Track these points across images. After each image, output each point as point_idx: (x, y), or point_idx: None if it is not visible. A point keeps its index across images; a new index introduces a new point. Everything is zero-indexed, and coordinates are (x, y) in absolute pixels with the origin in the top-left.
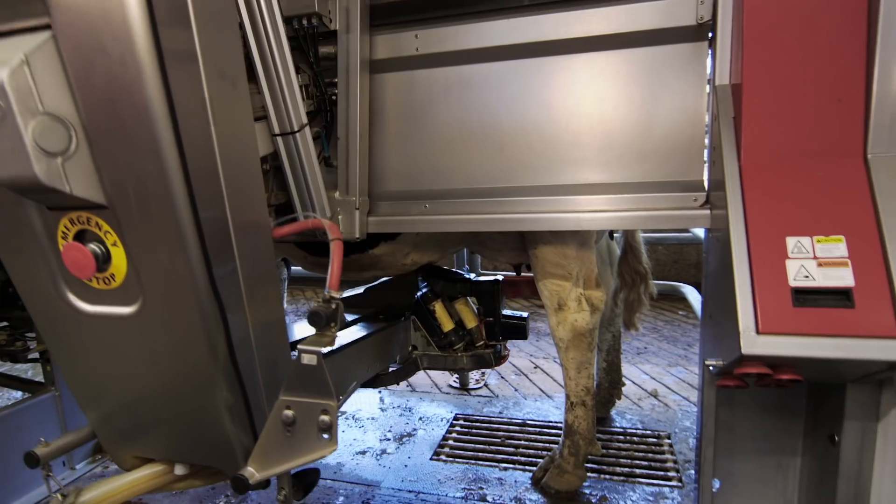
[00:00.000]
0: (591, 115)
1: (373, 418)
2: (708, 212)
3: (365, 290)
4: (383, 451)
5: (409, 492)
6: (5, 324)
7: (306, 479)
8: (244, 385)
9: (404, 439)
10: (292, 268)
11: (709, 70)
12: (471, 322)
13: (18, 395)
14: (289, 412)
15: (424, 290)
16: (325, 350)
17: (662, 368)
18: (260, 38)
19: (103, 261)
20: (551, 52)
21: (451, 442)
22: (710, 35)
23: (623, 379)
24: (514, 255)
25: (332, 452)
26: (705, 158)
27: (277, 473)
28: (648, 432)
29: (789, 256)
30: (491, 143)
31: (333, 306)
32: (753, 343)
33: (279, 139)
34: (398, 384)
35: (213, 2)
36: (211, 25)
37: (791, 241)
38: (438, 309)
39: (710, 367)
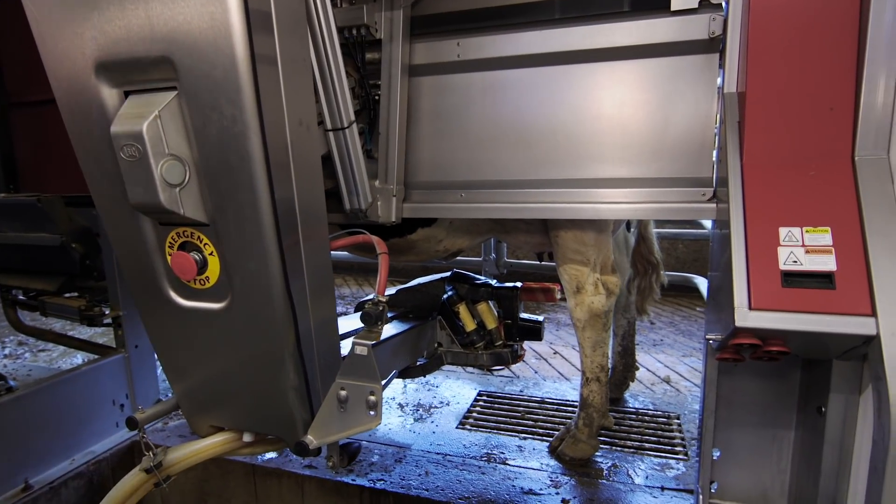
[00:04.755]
0: (612, 117)
1: (403, 392)
2: (714, 205)
3: (397, 292)
4: (414, 420)
5: (437, 454)
6: (75, 294)
7: (350, 449)
8: (306, 369)
9: (432, 410)
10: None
11: (719, 79)
12: (491, 323)
13: (79, 359)
14: (343, 392)
15: (450, 294)
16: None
17: (676, 358)
18: (318, 47)
19: (201, 267)
20: (578, 61)
21: (475, 414)
22: (720, 48)
23: (637, 364)
24: (538, 244)
25: (377, 426)
26: (714, 158)
27: (332, 441)
28: (659, 413)
29: (781, 244)
30: (521, 140)
31: (380, 308)
32: (746, 317)
33: (331, 134)
34: (424, 376)
35: (297, 70)
36: (295, 85)
37: (783, 231)
38: (462, 311)
39: (711, 342)
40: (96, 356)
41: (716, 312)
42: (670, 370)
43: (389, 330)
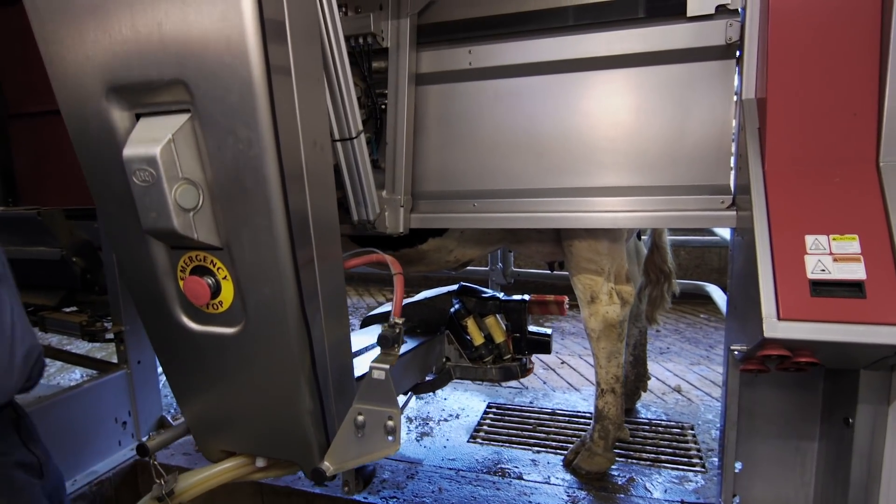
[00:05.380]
0: (627, 124)
1: (412, 406)
2: (734, 213)
3: (404, 307)
4: (423, 434)
5: (450, 469)
6: (76, 309)
7: (365, 473)
8: (321, 392)
9: (441, 424)
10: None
11: (736, 85)
12: (499, 337)
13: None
14: (360, 417)
15: (457, 307)
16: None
17: (685, 367)
18: (327, 56)
19: (215, 291)
20: (593, 68)
21: (485, 427)
22: (737, 54)
23: (649, 374)
24: (550, 253)
25: (395, 452)
26: (732, 165)
27: (350, 468)
28: (673, 423)
29: (808, 252)
30: (534, 148)
31: (397, 330)
32: (775, 328)
33: (339, 144)
34: (433, 392)
35: (311, 87)
36: (309, 105)
37: (809, 239)
38: (470, 324)
39: (735, 352)
40: (96, 372)
41: (739, 322)
42: (680, 379)
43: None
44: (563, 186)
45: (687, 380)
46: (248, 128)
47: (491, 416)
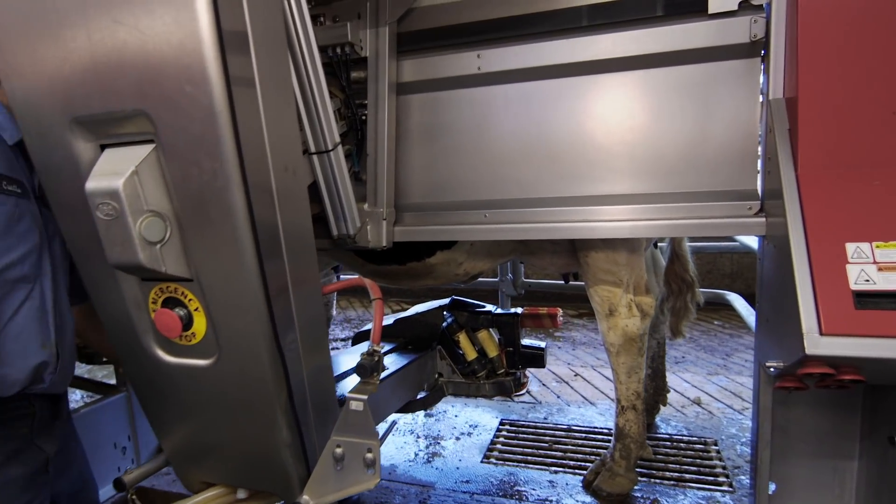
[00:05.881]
0: (646, 128)
1: (422, 424)
2: (763, 219)
3: (394, 322)
4: (434, 454)
5: (464, 492)
6: None
7: None
8: (300, 424)
9: (453, 443)
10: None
11: (762, 84)
12: (492, 351)
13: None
14: (339, 450)
15: (449, 321)
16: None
17: (703, 377)
18: (299, 67)
19: (187, 323)
20: (608, 70)
21: (499, 446)
22: (762, 52)
23: (668, 387)
24: (564, 264)
25: (375, 485)
26: (759, 168)
27: (329, 501)
28: (695, 439)
29: (849, 261)
30: (547, 155)
31: (376, 359)
32: (817, 344)
33: (314, 157)
34: (426, 410)
35: (281, 110)
36: (279, 129)
37: (850, 247)
38: (462, 339)
39: (770, 369)
40: (95, 395)
41: (771, 336)
42: (699, 391)
43: (389, 364)
44: (578, 195)
45: (706, 391)
46: (213, 159)
47: (504, 433)
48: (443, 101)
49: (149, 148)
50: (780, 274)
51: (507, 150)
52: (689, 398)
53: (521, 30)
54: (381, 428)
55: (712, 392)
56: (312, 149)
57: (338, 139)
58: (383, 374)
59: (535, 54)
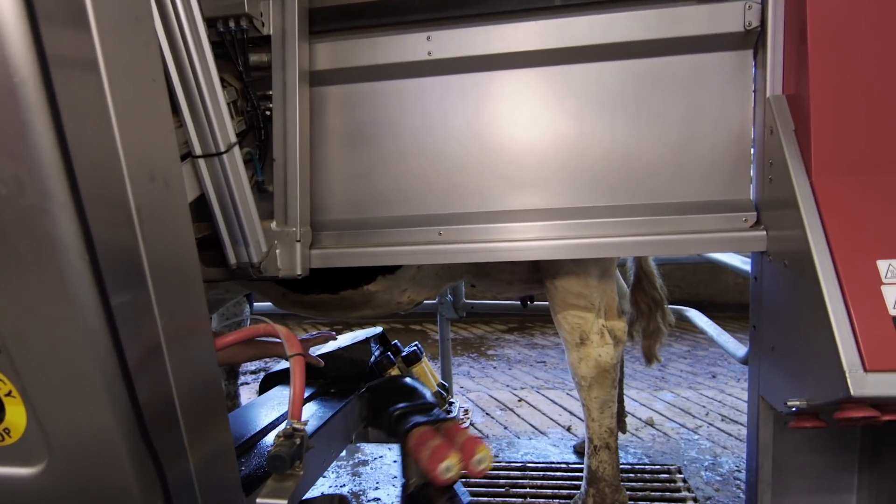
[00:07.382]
0: (625, 129)
1: (352, 470)
2: (763, 233)
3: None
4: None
5: None
6: None
7: None
8: None
9: (394, 497)
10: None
11: (754, 79)
12: (431, 388)
13: None
14: None
15: (376, 356)
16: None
17: (649, 394)
18: (176, 46)
19: None
20: (584, 59)
21: None
22: (756, 43)
23: (626, 412)
24: (525, 287)
25: None
26: (752, 175)
27: None
28: (657, 467)
29: (884, 282)
30: (510, 160)
31: (297, 441)
32: (863, 383)
33: (201, 162)
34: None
35: (144, 100)
36: (140, 130)
37: (883, 265)
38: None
39: (793, 408)
40: None
41: (781, 368)
42: (649, 409)
43: (309, 416)
44: (548, 207)
45: (656, 409)
46: (17, 161)
47: None
48: (377, 95)
49: None
50: (792, 296)
51: (463, 155)
52: (641, 419)
53: (482, 8)
54: None
55: (661, 410)
56: (198, 151)
57: (233, 139)
58: (310, 429)
59: (498, 39)
